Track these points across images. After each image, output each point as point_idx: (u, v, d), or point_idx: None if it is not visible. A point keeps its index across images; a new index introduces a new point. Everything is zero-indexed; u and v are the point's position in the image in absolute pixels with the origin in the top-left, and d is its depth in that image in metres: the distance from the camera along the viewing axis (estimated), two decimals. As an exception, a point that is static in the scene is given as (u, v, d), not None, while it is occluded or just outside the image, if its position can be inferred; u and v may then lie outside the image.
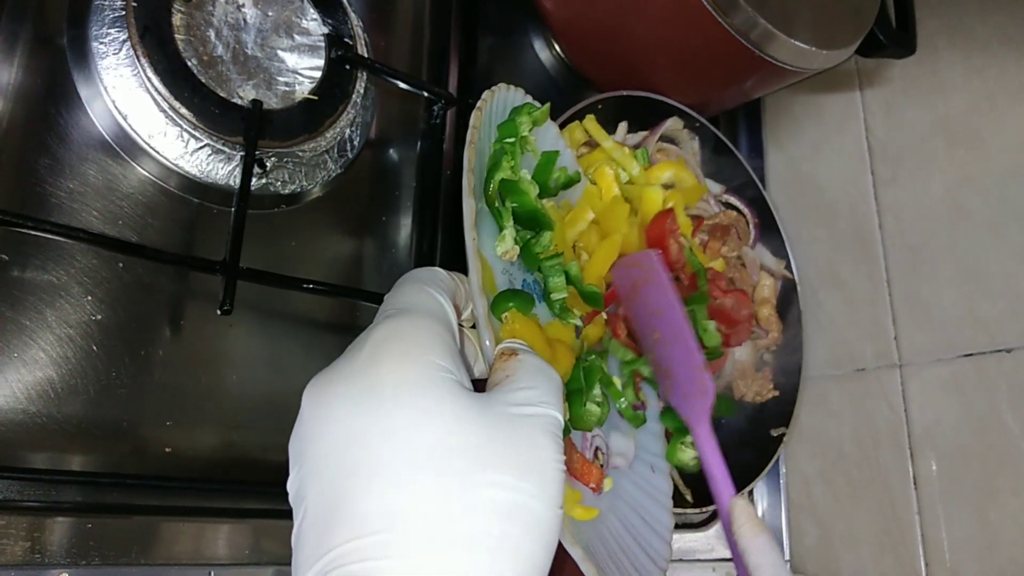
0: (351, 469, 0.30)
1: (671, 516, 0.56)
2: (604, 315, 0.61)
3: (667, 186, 0.71)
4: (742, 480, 0.69)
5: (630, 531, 0.52)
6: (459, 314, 0.41)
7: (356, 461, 0.30)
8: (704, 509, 0.69)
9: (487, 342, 0.41)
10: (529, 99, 0.55)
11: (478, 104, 0.49)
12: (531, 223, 0.52)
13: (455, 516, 0.29)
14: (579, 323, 0.56)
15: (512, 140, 0.52)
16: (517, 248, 0.51)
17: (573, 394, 0.53)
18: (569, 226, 0.60)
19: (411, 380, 0.32)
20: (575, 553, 0.42)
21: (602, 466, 0.53)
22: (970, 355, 0.70)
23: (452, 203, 0.67)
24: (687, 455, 0.63)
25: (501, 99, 0.53)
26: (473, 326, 0.44)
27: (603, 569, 0.44)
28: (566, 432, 0.51)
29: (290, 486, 0.33)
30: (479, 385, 0.38)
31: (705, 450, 0.53)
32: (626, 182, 0.67)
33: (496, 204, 0.51)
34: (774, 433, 0.74)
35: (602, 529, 0.49)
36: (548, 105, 0.55)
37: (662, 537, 0.54)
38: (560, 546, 0.39)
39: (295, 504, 0.32)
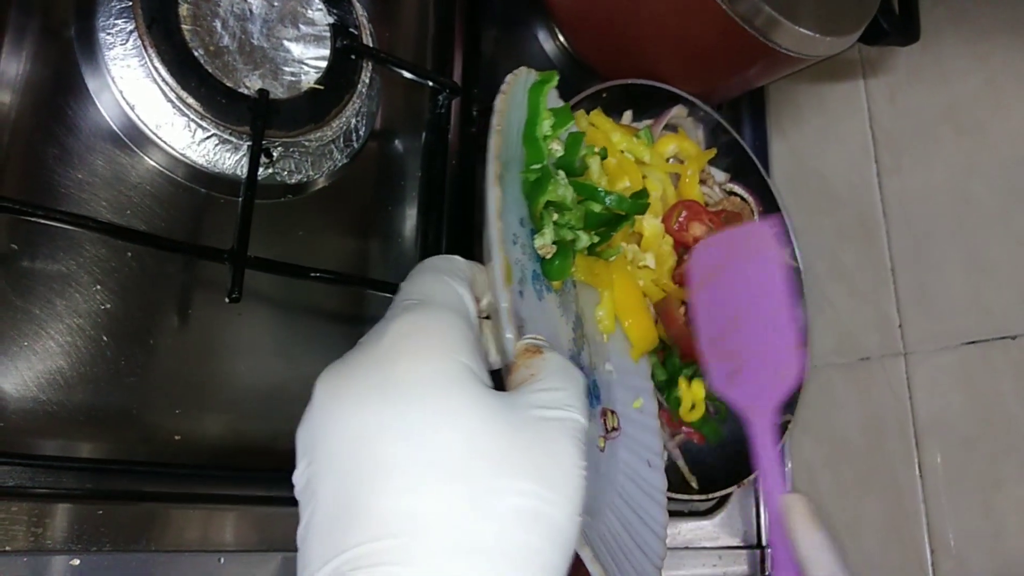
0: (369, 467, 0.29)
1: (665, 514, 0.55)
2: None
3: (672, 159, 0.71)
4: (747, 467, 0.69)
5: (627, 529, 0.52)
6: (478, 307, 0.40)
7: (375, 459, 0.29)
8: (710, 496, 0.69)
9: (508, 335, 0.40)
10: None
11: (502, 88, 0.48)
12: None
13: (477, 523, 0.28)
14: None
15: (539, 167, 0.53)
16: (554, 247, 0.52)
17: None
18: None
19: (434, 378, 0.31)
20: (584, 554, 0.42)
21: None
22: (975, 342, 0.71)
23: (457, 193, 0.67)
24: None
25: (523, 82, 0.52)
26: (488, 316, 0.43)
27: (607, 570, 0.44)
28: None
29: (297, 478, 0.32)
30: (496, 377, 0.37)
31: (764, 443, 0.52)
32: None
33: (539, 211, 0.52)
34: (779, 420, 0.74)
35: (601, 528, 0.49)
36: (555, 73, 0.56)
37: (657, 535, 0.53)
38: None
39: (303, 498, 0.31)
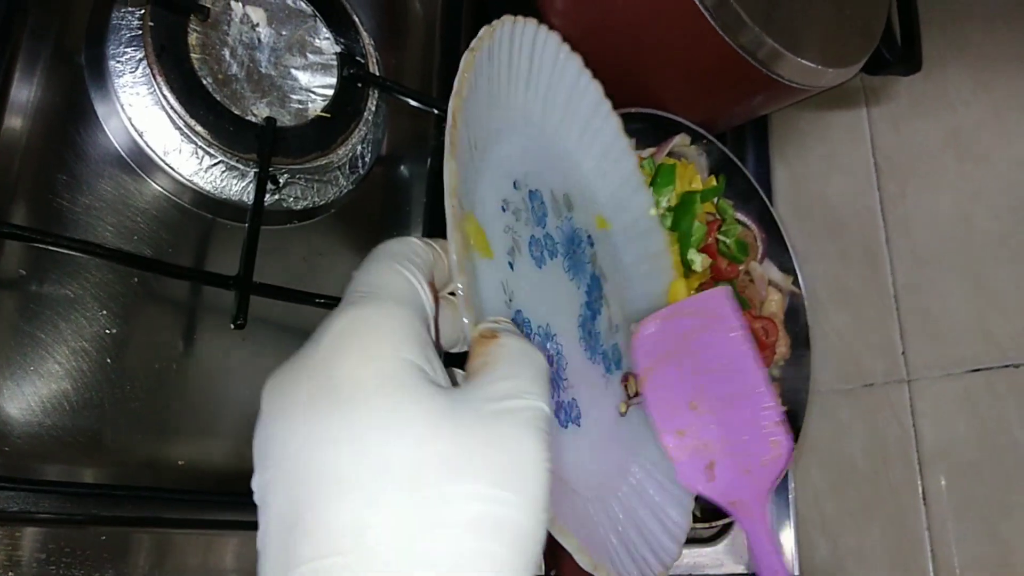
0: (316, 478, 0.27)
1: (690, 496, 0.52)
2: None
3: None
4: (751, 495, 0.69)
5: (645, 501, 0.49)
6: (437, 290, 0.37)
7: (322, 470, 0.27)
8: (713, 524, 0.69)
9: (464, 320, 0.36)
10: (542, 30, 0.50)
11: (472, 45, 0.42)
12: None
13: (427, 534, 0.27)
14: None
15: None
16: None
17: None
18: None
19: (375, 380, 0.29)
20: (569, 544, 0.38)
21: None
22: (979, 370, 0.71)
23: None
24: None
25: (509, 36, 0.46)
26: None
27: (611, 556, 0.42)
28: None
29: (254, 485, 0.30)
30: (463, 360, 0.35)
31: (759, 536, 0.46)
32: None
33: None
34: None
35: (612, 504, 0.47)
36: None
37: (682, 504, 0.51)
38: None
39: (260, 506, 0.29)
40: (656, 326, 0.51)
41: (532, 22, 0.48)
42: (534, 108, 0.52)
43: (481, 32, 0.44)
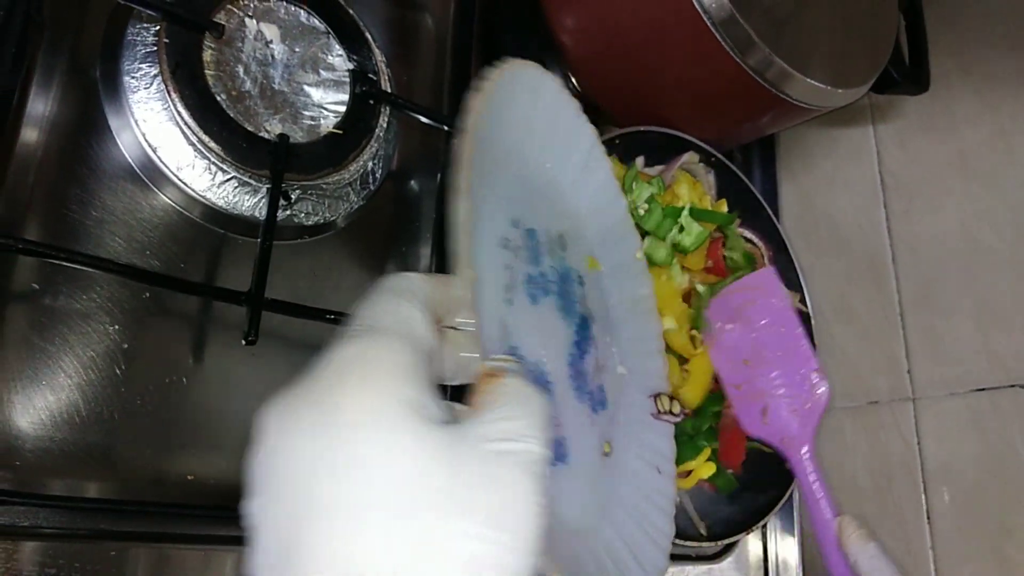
0: (311, 508, 0.28)
1: (672, 524, 0.53)
2: None
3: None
4: (756, 515, 0.69)
5: (627, 543, 0.50)
6: (440, 323, 0.38)
7: (317, 500, 0.28)
8: (718, 543, 0.69)
9: (465, 355, 0.38)
10: (547, 75, 0.52)
11: (477, 86, 0.44)
12: None
13: (419, 567, 0.27)
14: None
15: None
16: None
17: None
18: None
19: (374, 413, 0.29)
20: None
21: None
22: (984, 389, 0.71)
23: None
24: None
25: (512, 79, 0.48)
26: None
27: None
28: None
29: (246, 509, 0.30)
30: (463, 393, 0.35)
31: (805, 473, 0.57)
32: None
33: None
34: (788, 467, 0.74)
35: (595, 544, 0.47)
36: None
37: (660, 546, 0.52)
38: None
39: (250, 532, 0.30)
40: (715, 302, 0.63)
41: (534, 66, 0.50)
42: (532, 149, 0.53)
43: (486, 73, 0.45)
